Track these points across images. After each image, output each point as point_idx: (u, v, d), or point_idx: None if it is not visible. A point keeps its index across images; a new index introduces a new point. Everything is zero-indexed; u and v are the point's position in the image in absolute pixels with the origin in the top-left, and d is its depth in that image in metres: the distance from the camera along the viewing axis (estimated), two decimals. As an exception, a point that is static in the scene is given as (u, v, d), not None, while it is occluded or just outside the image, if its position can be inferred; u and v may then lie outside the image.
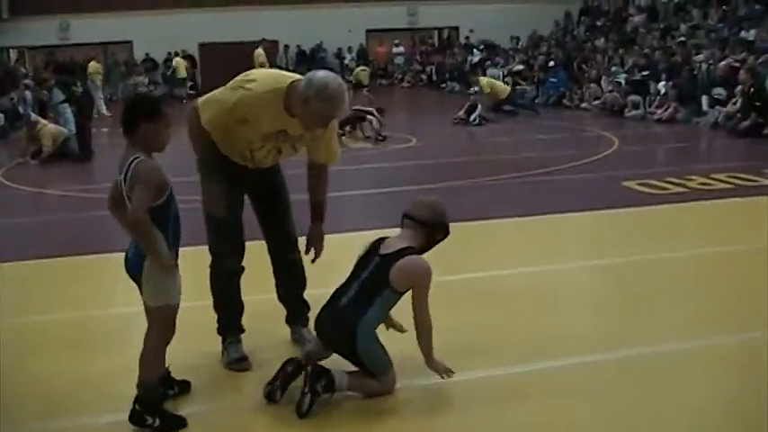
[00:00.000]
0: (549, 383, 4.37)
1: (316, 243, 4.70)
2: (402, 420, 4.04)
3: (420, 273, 4.16)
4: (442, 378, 4.20)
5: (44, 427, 4.06)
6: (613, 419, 3.97)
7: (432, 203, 4.41)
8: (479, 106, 18.16)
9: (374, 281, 4.18)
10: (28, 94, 18.16)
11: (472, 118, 17.86)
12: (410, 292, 4.20)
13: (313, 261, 4.75)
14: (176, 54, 28.39)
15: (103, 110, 22.81)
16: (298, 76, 4.36)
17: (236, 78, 4.42)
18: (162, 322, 3.89)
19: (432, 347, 4.21)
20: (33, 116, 14.71)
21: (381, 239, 4.33)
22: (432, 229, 4.34)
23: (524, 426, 3.93)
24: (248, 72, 4.46)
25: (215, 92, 4.38)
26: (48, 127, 14.28)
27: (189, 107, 4.47)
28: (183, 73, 26.01)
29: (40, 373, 4.70)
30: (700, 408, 4.06)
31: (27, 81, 19.63)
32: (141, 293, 3.90)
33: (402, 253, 4.20)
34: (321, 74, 4.24)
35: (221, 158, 4.49)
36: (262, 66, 15.20)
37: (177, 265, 3.89)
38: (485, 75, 26.39)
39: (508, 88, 20.27)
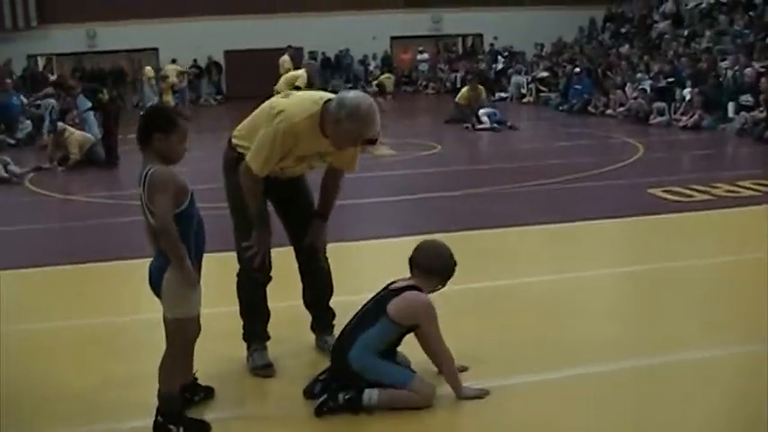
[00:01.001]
0: (563, 392, 4.36)
1: (317, 237, 4.72)
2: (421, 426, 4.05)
3: (419, 308, 4.21)
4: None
5: (73, 431, 4.10)
6: (626, 428, 3.96)
7: (436, 253, 4.37)
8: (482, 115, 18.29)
9: (374, 310, 4.24)
10: (52, 101, 18.31)
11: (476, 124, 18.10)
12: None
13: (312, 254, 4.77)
14: (172, 61, 27.91)
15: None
16: (322, 95, 4.40)
17: (259, 117, 4.45)
18: (180, 334, 3.91)
19: (458, 378, 4.26)
20: (60, 124, 14.85)
21: (395, 281, 4.37)
22: (440, 275, 4.35)
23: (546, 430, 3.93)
24: (269, 107, 4.43)
25: (257, 142, 4.33)
26: (75, 134, 14.41)
27: (243, 168, 4.36)
28: (172, 80, 25.27)
29: (65, 377, 4.74)
30: (714, 417, 4.04)
31: (48, 89, 19.76)
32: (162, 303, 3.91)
33: (406, 289, 4.25)
34: (352, 95, 4.29)
35: None
36: (288, 71, 15.18)
37: (200, 275, 3.90)
38: (509, 81, 26.53)
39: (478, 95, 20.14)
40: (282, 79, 15.37)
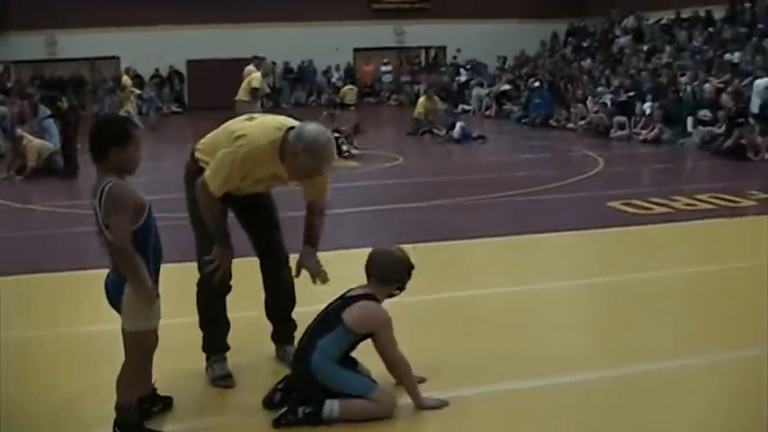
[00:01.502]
0: (531, 403, 4.38)
1: (312, 265, 4.63)
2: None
3: (373, 317, 4.21)
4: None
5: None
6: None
7: (394, 259, 4.36)
8: (457, 125, 18.51)
9: (330, 319, 4.24)
10: (3, 109, 18.05)
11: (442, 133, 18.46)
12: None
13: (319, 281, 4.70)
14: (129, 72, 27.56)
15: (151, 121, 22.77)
16: (285, 122, 4.39)
17: (221, 135, 4.44)
18: (139, 346, 3.86)
19: (416, 387, 4.26)
20: (18, 131, 14.67)
21: (351, 289, 4.37)
22: (401, 281, 4.35)
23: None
24: (231, 129, 4.42)
25: (214, 162, 4.31)
26: (33, 142, 14.24)
27: (200, 184, 4.35)
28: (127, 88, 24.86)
29: (20, 388, 4.67)
30: (687, 427, 4.07)
31: (0, 97, 19.45)
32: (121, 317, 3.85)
33: (360, 298, 4.25)
34: (310, 128, 4.28)
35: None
36: (250, 84, 15.13)
37: (158, 289, 3.85)
38: (470, 95, 26.68)
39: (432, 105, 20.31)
40: (242, 87, 15.34)
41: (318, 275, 4.63)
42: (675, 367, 4.79)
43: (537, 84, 23.40)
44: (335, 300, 4.34)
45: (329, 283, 4.58)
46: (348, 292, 4.35)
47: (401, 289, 4.39)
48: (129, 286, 3.73)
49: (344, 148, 15.16)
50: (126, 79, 23.54)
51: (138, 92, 24.27)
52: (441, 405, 4.24)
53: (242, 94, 15.17)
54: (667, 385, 4.54)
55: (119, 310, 3.84)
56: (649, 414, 4.18)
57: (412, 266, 4.36)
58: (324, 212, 4.69)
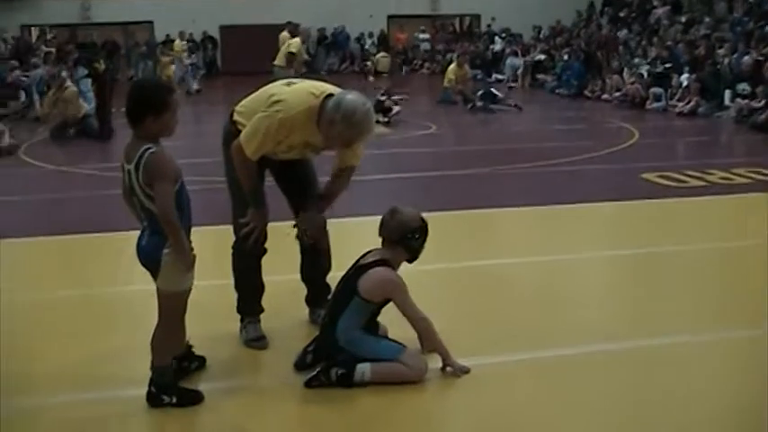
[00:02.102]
0: (560, 371, 4.39)
1: (313, 227, 4.60)
2: (413, 406, 4.07)
3: (386, 283, 4.21)
4: (458, 375, 4.24)
5: (68, 399, 4.12)
6: (616, 407, 3.99)
7: (399, 218, 4.32)
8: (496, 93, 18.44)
9: (345, 290, 4.25)
10: (39, 71, 18.21)
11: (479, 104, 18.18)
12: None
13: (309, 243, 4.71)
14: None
15: (193, 87, 22.77)
16: (324, 88, 4.35)
17: (259, 100, 4.42)
18: (173, 307, 3.91)
19: (440, 341, 4.26)
20: (63, 73, 14.83)
21: (370, 251, 4.37)
22: (407, 242, 4.32)
23: (526, 410, 3.95)
24: (269, 93, 4.40)
25: (250, 125, 4.31)
26: (73, 89, 14.45)
27: (235, 147, 4.34)
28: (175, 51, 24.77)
29: (58, 347, 4.75)
30: (702, 399, 4.06)
31: (35, 60, 19.59)
32: (155, 278, 3.89)
33: (372, 265, 4.25)
34: (350, 97, 4.23)
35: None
36: (291, 52, 15.07)
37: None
38: (504, 64, 26.46)
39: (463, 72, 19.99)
40: (280, 53, 15.33)
41: (314, 238, 4.62)
42: (699, 342, 4.77)
43: (567, 57, 23.19)
44: (350, 268, 4.35)
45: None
46: (362, 258, 4.35)
47: (416, 251, 4.34)
48: (171, 250, 3.77)
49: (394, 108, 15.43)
50: (179, 43, 23.50)
51: (191, 58, 24.18)
52: (463, 371, 4.25)
53: (279, 60, 15.15)
54: (685, 358, 4.54)
55: (152, 272, 3.88)
56: (666, 386, 4.18)
57: (424, 226, 4.32)
58: (348, 181, 4.64)
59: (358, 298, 4.19)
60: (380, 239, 4.36)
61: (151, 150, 3.71)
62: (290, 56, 15.00)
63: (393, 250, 4.31)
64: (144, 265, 3.90)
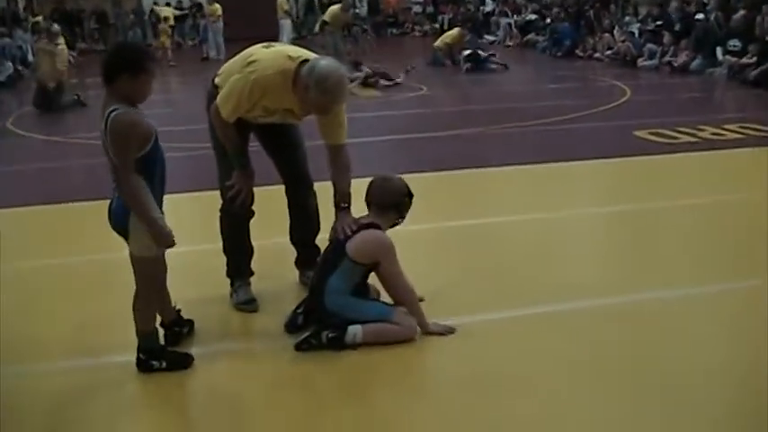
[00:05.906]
0: (551, 326, 4.38)
1: (341, 225, 4.40)
2: (403, 365, 4.06)
3: (376, 245, 4.20)
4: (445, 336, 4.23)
5: (58, 367, 4.11)
6: (613, 361, 3.98)
7: (391, 184, 4.34)
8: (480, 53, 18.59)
9: (334, 252, 4.23)
10: (26, 36, 18.13)
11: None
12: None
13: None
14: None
15: (222, 53, 22.22)
16: (300, 53, 4.30)
17: (236, 62, 4.39)
18: (147, 273, 3.86)
19: (422, 313, 4.25)
20: (56, 26, 14.77)
21: (361, 217, 4.34)
22: (396, 208, 4.32)
23: (517, 366, 3.94)
24: (246, 55, 4.38)
25: (225, 87, 4.27)
26: (65, 49, 14.49)
27: (213, 109, 4.32)
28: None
29: (48, 315, 4.75)
30: (698, 351, 4.06)
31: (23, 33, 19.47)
32: (127, 243, 3.82)
33: (362, 228, 4.23)
34: (323, 63, 4.16)
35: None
36: (285, 11, 15.10)
37: (163, 214, 3.78)
38: (498, 25, 26.33)
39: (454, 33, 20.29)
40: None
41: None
42: (687, 295, 4.76)
43: (548, 20, 23.29)
44: None
45: None
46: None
47: (402, 216, 4.36)
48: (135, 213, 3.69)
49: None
50: (217, 7, 22.93)
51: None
52: (447, 331, 4.25)
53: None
54: (678, 312, 4.53)
55: (124, 237, 3.81)
56: (662, 340, 4.18)
57: (410, 193, 4.33)
58: (349, 168, 4.49)
59: (347, 260, 4.17)
60: (367, 205, 4.33)
61: (117, 111, 3.59)
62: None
63: (382, 215, 4.30)
64: (114, 229, 3.83)
